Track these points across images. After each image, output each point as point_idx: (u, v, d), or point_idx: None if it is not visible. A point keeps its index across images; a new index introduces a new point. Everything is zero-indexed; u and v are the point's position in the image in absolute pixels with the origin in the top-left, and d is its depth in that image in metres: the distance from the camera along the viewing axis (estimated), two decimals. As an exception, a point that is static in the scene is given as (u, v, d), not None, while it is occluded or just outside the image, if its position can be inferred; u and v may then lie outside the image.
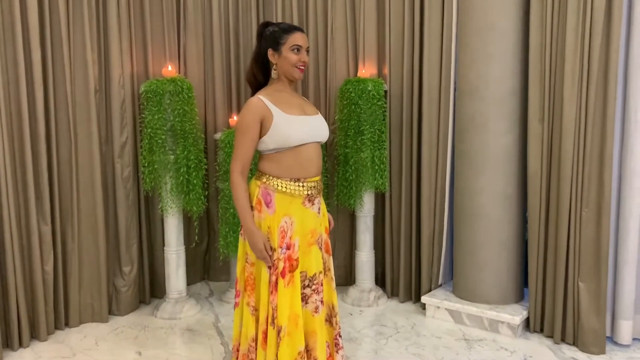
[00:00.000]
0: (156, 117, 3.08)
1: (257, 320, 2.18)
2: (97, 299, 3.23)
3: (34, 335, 2.99)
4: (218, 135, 3.40)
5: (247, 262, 2.21)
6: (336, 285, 3.64)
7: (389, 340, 2.99)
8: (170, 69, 3.24)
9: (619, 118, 2.78)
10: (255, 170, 2.32)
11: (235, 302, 2.27)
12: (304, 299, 2.22)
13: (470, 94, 3.06)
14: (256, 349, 2.18)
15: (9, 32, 2.79)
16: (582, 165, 2.78)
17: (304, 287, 2.21)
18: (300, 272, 2.20)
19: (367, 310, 3.41)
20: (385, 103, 3.41)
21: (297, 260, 2.16)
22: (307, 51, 2.20)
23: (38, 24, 2.87)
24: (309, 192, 2.18)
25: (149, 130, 3.11)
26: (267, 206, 2.14)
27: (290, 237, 2.15)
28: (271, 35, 2.16)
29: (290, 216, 2.16)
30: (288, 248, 2.15)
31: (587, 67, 2.72)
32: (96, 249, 3.20)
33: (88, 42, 3.06)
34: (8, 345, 2.88)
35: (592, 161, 2.76)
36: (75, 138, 3.08)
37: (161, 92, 3.08)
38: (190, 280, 3.73)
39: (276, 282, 2.14)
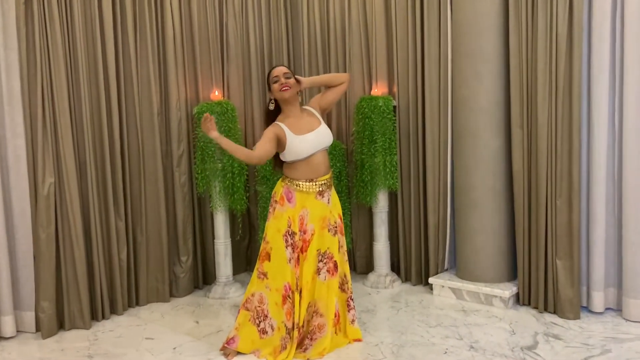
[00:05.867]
0: (207, 133, 3.81)
1: (266, 285, 2.91)
2: (160, 283, 3.95)
3: (112, 310, 3.72)
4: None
5: (263, 239, 2.92)
6: (358, 272, 4.40)
7: (399, 312, 3.60)
8: (217, 94, 3.98)
9: (585, 122, 3.35)
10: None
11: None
12: (318, 271, 2.90)
13: (464, 107, 3.68)
14: (268, 309, 2.90)
15: (93, 73, 3.57)
16: (554, 163, 3.35)
17: (318, 261, 2.89)
18: (317, 250, 2.88)
19: (384, 291, 4.03)
20: (395, 116, 4.05)
21: (309, 241, 2.88)
22: (287, 76, 2.91)
23: (114, 64, 3.64)
24: (320, 189, 2.89)
25: (201, 144, 3.84)
26: (289, 201, 2.87)
27: (306, 224, 2.87)
28: (266, 83, 3.02)
29: (306, 208, 2.86)
30: (304, 232, 2.85)
31: (555, 82, 3.31)
32: (160, 242, 3.92)
33: (152, 75, 3.80)
34: (93, 317, 3.62)
35: (563, 159, 3.34)
36: (143, 152, 3.83)
37: (210, 113, 3.81)
38: (234, 271, 4.41)
39: (298, 259, 2.84)
